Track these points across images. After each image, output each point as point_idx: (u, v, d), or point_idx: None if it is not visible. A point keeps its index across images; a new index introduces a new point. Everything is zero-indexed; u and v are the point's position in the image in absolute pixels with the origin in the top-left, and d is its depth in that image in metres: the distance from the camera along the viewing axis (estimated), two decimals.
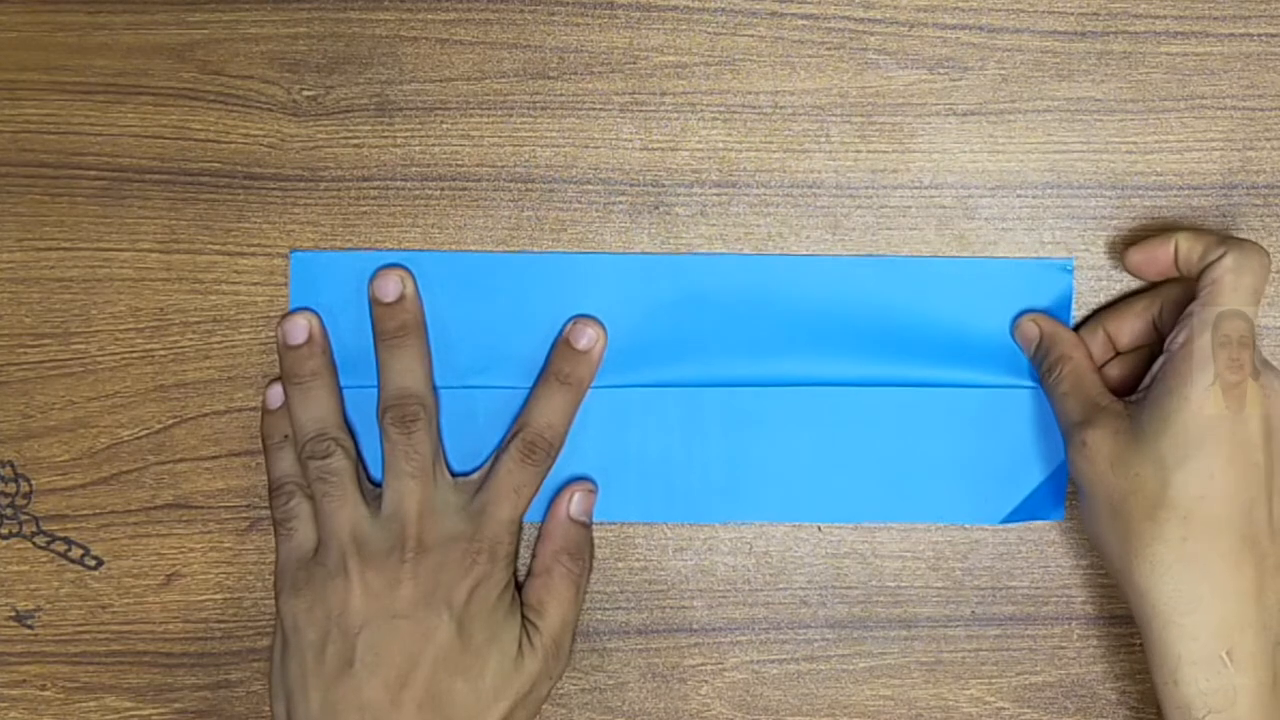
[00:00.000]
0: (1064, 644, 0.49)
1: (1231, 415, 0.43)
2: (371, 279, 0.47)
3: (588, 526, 0.48)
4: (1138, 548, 0.43)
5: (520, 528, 0.47)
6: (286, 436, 0.47)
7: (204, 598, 0.48)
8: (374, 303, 0.47)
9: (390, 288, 0.47)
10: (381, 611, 0.43)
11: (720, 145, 0.49)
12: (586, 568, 0.47)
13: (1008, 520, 0.49)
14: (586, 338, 0.47)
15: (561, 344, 0.47)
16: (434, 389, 0.47)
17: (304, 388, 0.46)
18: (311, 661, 0.44)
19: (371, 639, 0.43)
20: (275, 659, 0.45)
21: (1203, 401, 0.43)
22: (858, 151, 0.49)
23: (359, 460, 0.47)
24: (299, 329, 0.47)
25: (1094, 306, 0.49)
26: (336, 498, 0.45)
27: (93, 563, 0.48)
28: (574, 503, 0.47)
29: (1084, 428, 0.45)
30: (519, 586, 0.47)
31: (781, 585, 0.49)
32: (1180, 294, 0.46)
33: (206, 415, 0.48)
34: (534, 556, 0.47)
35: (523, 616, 0.46)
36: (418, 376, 0.46)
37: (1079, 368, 0.46)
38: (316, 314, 0.47)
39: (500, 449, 0.47)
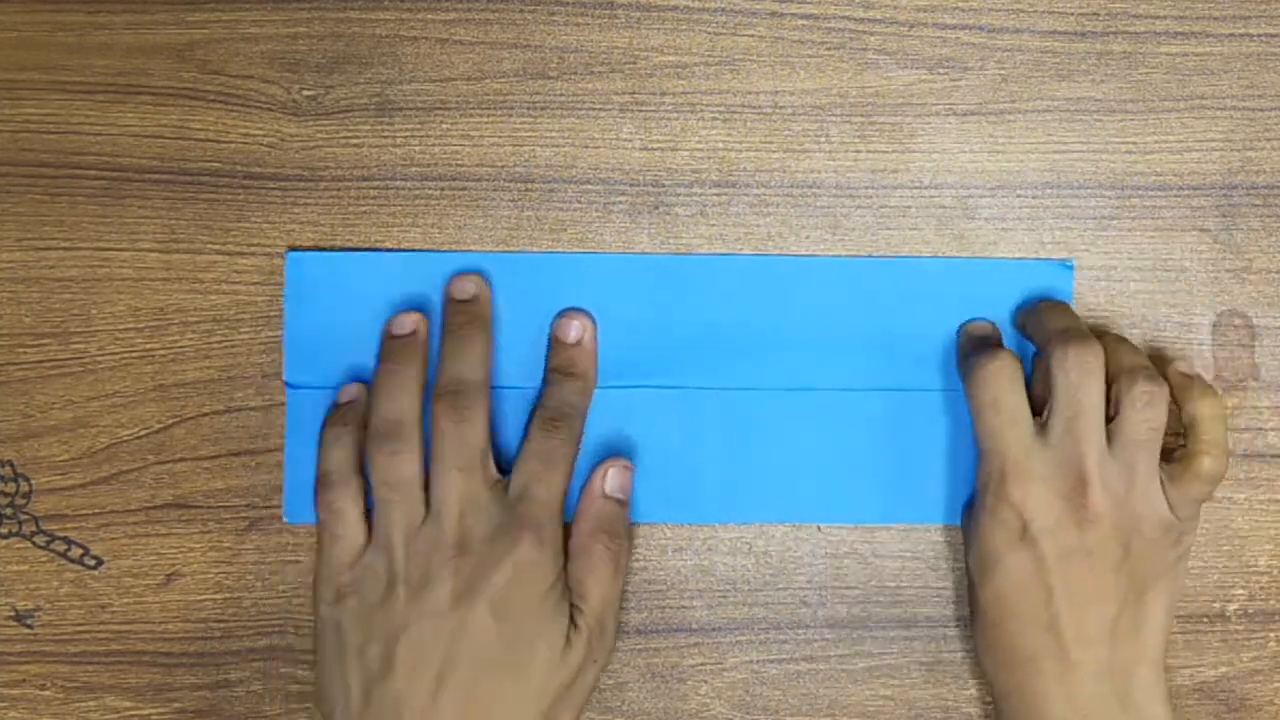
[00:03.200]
0: None
1: (1016, 546, 0.44)
2: (449, 280, 0.47)
3: (624, 504, 0.47)
4: (973, 630, 0.47)
5: (563, 514, 0.45)
6: (348, 425, 0.46)
7: (203, 598, 0.48)
8: (448, 301, 0.47)
9: (467, 287, 0.47)
10: (423, 612, 0.43)
11: (720, 145, 0.49)
12: (626, 546, 0.47)
13: None
14: (574, 330, 0.47)
15: (553, 341, 0.47)
16: (491, 387, 0.46)
17: (393, 374, 0.46)
18: (353, 663, 0.43)
19: (411, 640, 0.43)
20: (319, 661, 0.45)
21: (988, 534, 0.44)
22: (858, 151, 0.49)
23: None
24: (407, 322, 0.47)
25: (1094, 306, 0.49)
26: (399, 504, 0.44)
27: (92, 562, 0.48)
28: (609, 479, 0.47)
29: (967, 506, 0.48)
30: None
31: (781, 585, 0.49)
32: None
33: (206, 415, 0.48)
34: (570, 537, 0.46)
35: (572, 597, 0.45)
36: (476, 368, 0.46)
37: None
38: (425, 315, 0.47)
39: (523, 437, 0.46)
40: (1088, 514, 0.43)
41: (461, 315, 0.47)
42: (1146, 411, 0.44)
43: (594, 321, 0.48)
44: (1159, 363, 0.48)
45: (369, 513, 0.45)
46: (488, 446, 0.45)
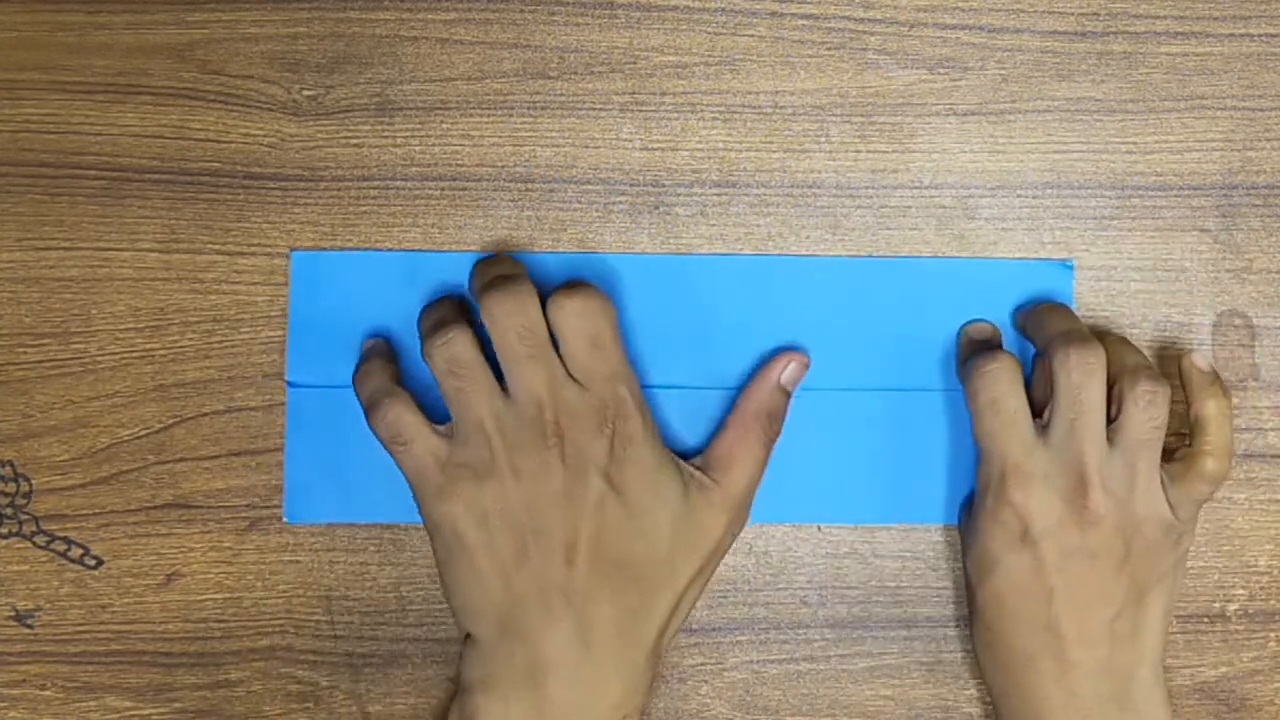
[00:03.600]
0: None
1: (1016, 547, 0.44)
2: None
3: (789, 396, 0.47)
4: (971, 631, 0.47)
5: (632, 372, 0.44)
6: (376, 358, 0.46)
7: (204, 597, 0.48)
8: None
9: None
10: (538, 495, 0.43)
11: (720, 145, 0.49)
12: (779, 428, 0.47)
13: None
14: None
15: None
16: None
17: (437, 298, 0.47)
18: (483, 559, 0.43)
19: (535, 523, 0.43)
20: (444, 568, 0.44)
21: (988, 535, 0.44)
22: (858, 151, 0.49)
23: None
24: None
25: (1094, 306, 0.49)
26: (470, 390, 0.43)
27: (92, 562, 0.48)
28: (786, 371, 0.47)
29: (965, 507, 0.48)
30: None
31: (781, 585, 0.49)
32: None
33: (206, 415, 0.48)
34: (732, 411, 0.47)
35: (701, 470, 0.45)
36: (517, 266, 0.45)
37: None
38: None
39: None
40: (1089, 515, 0.43)
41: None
42: (1150, 411, 0.44)
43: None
44: (1163, 362, 0.48)
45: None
46: (545, 329, 0.43)
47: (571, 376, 0.43)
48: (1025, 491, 0.43)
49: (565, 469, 0.43)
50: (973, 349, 0.47)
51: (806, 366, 0.47)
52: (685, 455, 0.48)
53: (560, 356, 0.43)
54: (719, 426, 0.47)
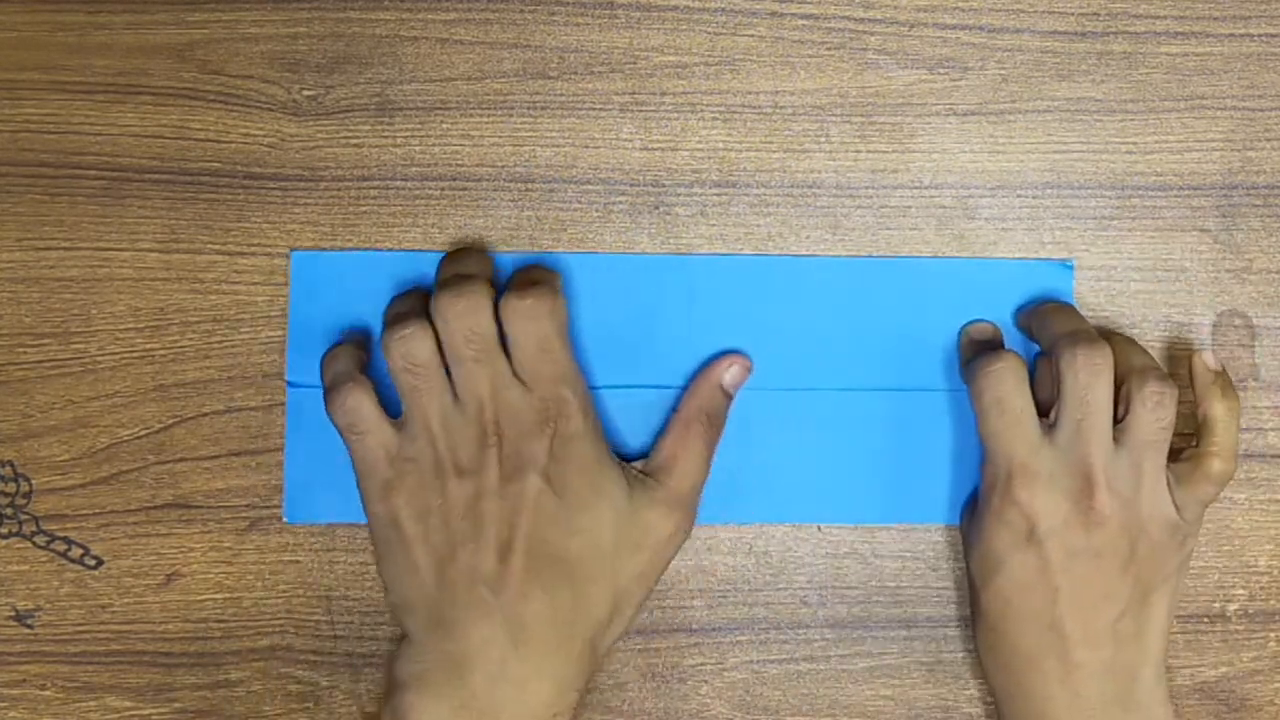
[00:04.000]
0: None
1: (1022, 546, 0.44)
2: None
3: (731, 398, 0.48)
4: (974, 631, 0.46)
5: (579, 372, 0.45)
6: (345, 344, 0.46)
7: (204, 597, 0.48)
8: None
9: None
10: (477, 492, 0.43)
11: (720, 145, 0.49)
12: (720, 432, 0.47)
13: None
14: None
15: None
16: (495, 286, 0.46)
17: (404, 290, 0.47)
18: (418, 553, 0.43)
19: (471, 517, 0.43)
20: (381, 561, 0.45)
21: (993, 535, 0.44)
22: (858, 151, 0.49)
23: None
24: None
25: (1094, 306, 0.49)
26: (423, 389, 0.44)
27: (92, 562, 0.48)
28: (728, 373, 0.47)
29: (967, 507, 0.48)
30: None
31: (781, 585, 0.49)
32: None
33: (206, 415, 0.48)
34: (674, 411, 0.47)
35: (646, 473, 0.46)
36: (477, 264, 0.46)
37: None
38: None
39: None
40: (1095, 515, 0.43)
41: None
42: (1157, 411, 0.44)
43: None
44: (1167, 362, 0.48)
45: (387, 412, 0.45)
46: (495, 329, 0.44)
47: (518, 376, 0.44)
48: (1031, 491, 0.43)
49: (503, 468, 0.43)
50: (974, 349, 0.47)
51: (749, 370, 0.48)
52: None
53: (509, 356, 0.44)
54: (662, 428, 0.47)
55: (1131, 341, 0.47)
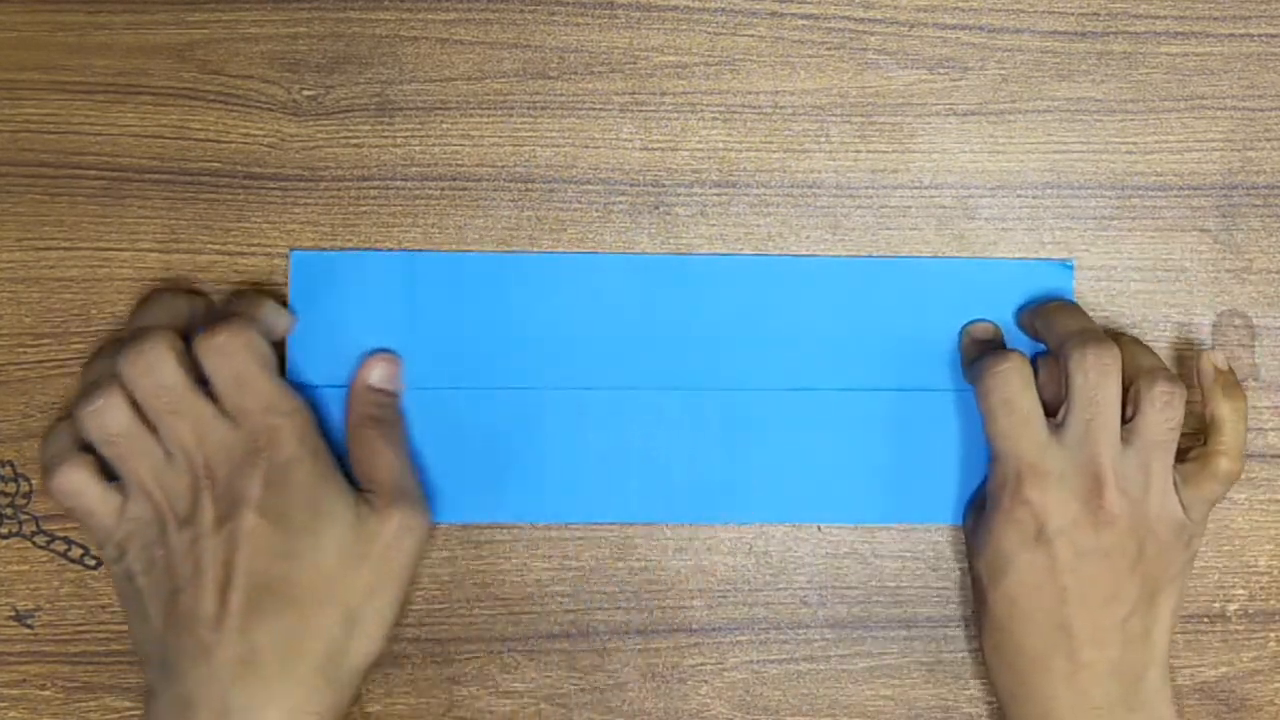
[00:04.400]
0: None
1: (1031, 546, 0.44)
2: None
3: (392, 394, 0.47)
4: (979, 631, 0.46)
5: (289, 394, 0.44)
6: (59, 422, 0.46)
7: None
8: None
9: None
10: (194, 536, 0.43)
11: (720, 145, 0.49)
12: (396, 427, 0.47)
13: None
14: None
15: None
16: (181, 330, 0.45)
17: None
18: (149, 599, 0.43)
19: (190, 559, 0.43)
20: (126, 617, 0.45)
21: (1002, 535, 0.44)
22: (858, 151, 0.49)
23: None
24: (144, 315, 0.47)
25: (1094, 306, 0.49)
26: (127, 455, 0.43)
27: (93, 562, 0.48)
28: (374, 372, 0.47)
29: (971, 507, 0.48)
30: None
31: (781, 585, 0.49)
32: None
33: None
34: (346, 429, 0.47)
35: (358, 487, 0.45)
36: (159, 316, 0.45)
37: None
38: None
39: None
40: (1104, 515, 0.43)
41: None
42: (1166, 411, 0.44)
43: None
44: (1171, 362, 0.48)
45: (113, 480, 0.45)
46: (187, 378, 0.43)
47: (226, 411, 0.44)
48: (1041, 490, 0.43)
49: (218, 508, 0.43)
50: (977, 349, 0.47)
51: (395, 363, 0.47)
52: (686, 455, 0.48)
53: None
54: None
55: (1138, 342, 0.47)
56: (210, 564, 0.43)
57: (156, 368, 0.43)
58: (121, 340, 0.44)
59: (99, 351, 0.47)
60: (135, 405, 0.43)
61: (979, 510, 0.46)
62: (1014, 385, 0.44)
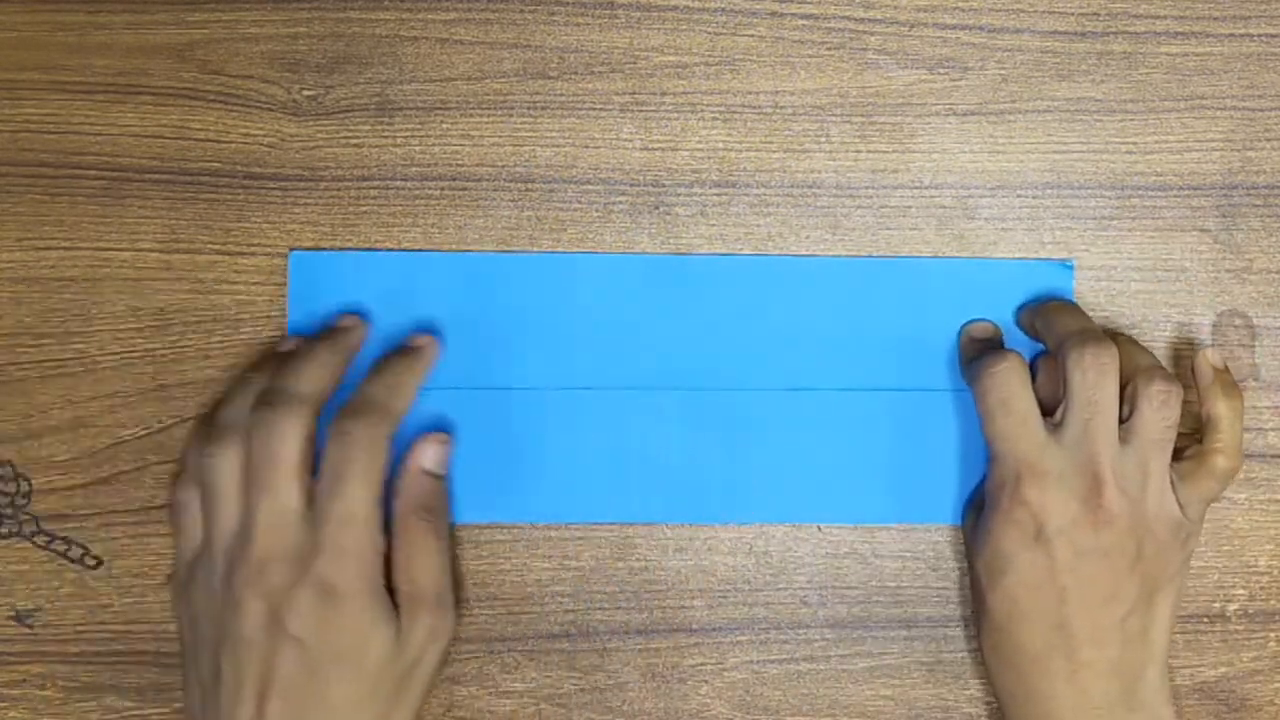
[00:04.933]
0: None
1: (1030, 546, 0.44)
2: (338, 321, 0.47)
3: (441, 478, 0.47)
4: (979, 631, 0.46)
5: (372, 515, 0.44)
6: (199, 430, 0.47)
7: None
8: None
9: (346, 319, 0.47)
10: (238, 633, 0.42)
11: (720, 145, 0.49)
12: (444, 518, 0.46)
13: None
14: (416, 340, 0.47)
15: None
16: (324, 402, 0.45)
17: (244, 381, 0.46)
18: (192, 664, 0.44)
19: (231, 659, 0.42)
20: (180, 645, 0.45)
21: (1001, 535, 0.44)
22: (858, 151, 0.49)
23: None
24: (287, 343, 0.47)
25: (1094, 306, 0.49)
26: (213, 512, 0.43)
27: (93, 562, 0.48)
28: (426, 455, 0.46)
29: (970, 507, 0.48)
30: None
31: (781, 585, 0.49)
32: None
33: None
34: (390, 516, 0.45)
35: (397, 587, 0.44)
36: (304, 382, 0.44)
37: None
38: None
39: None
40: (1103, 514, 0.43)
41: (326, 337, 0.46)
42: (1163, 411, 0.44)
43: (438, 342, 0.47)
44: (1171, 362, 0.48)
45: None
46: (299, 460, 0.43)
47: (311, 500, 0.43)
48: (1041, 490, 0.43)
49: (263, 614, 0.42)
50: (975, 348, 0.47)
51: (447, 444, 0.47)
52: (687, 455, 0.48)
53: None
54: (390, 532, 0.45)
55: (1134, 341, 0.47)
56: (250, 670, 0.42)
57: (276, 441, 0.43)
58: (250, 391, 0.45)
59: (234, 397, 0.45)
60: (248, 459, 0.43)
61: (978, 510, 0.46)
62: (1012, 385, 0.44)
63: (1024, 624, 0.44)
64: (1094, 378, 0.44)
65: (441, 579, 0.45)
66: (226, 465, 0.43)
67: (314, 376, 0.44)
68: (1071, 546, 0.43)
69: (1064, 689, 0.43)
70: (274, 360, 0.46)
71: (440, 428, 0.48)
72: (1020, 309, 0.49)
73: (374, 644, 0.43)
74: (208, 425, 0.45)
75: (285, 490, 0.43)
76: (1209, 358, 0.46)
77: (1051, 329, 0.46)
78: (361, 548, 0.43)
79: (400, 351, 0.47)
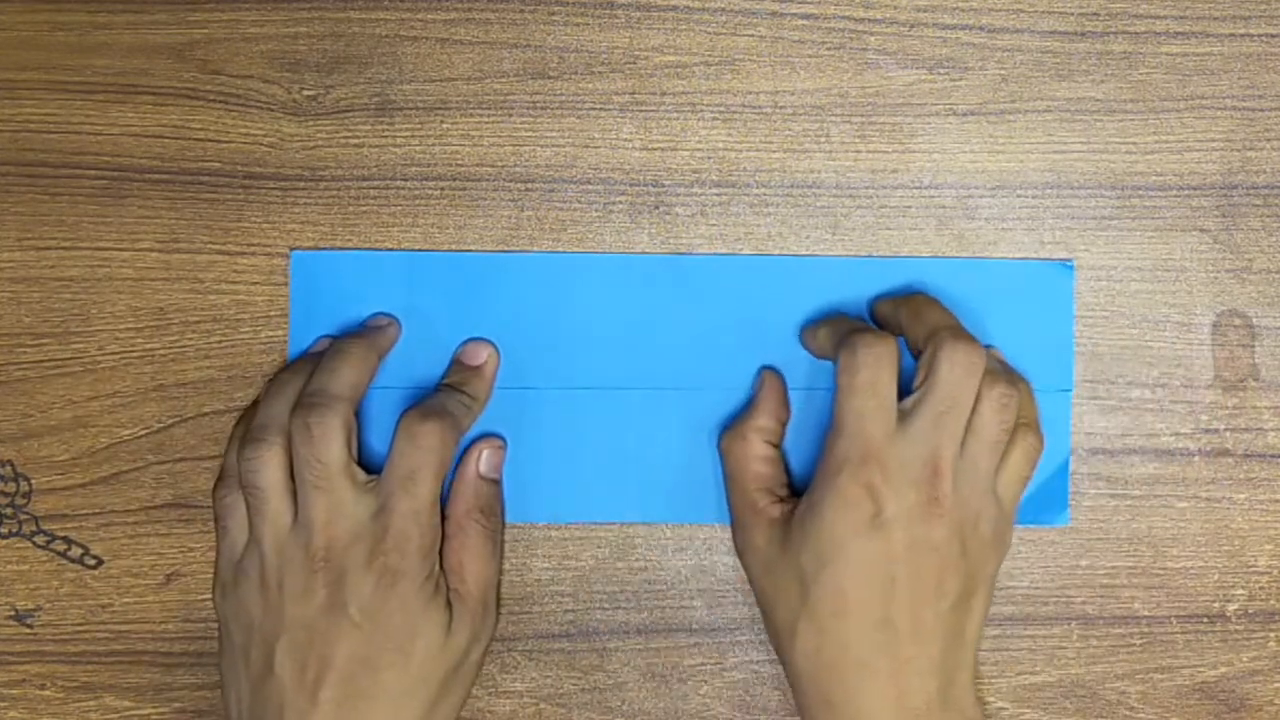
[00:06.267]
0: (1063, 644, 0.49)
1: (865, 532, 0.43)
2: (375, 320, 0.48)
3: (497, 483, 0.48)
4: (784, 646, 0.44)
5: (434, 512, 0.45)
6: (239, 427, 0.47)
7: (204, 598, 0.48)
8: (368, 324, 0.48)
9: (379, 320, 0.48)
10: (295, 619, 0.43)
11: (720, 145, 0.49)
12: (500, 523, 0.47)
13: None
14: (480, 354, 0.48)
15: (455, 363, 0.48)
16: (360, 398, 0.46)
17: (280, 382, 0.46)
18: (240, 661, 0.44)
19: (286, 645, 0.43)
20: (219, 650, 0.46)
21: (836, 519, 0.43)
22: (858, 151, 0.49)
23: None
24: (321, 343, 0.48)
25: (1094, 306, 0.49)
26: (262, 509, 0.44)
27: (92, 562, 0.48)
28: (483, 460, 0.47)
29: (739, 530, 0.46)
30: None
31: None
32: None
33: (206, 415, 0.48)
34: (445, 518, 0.46)
35: (448, 585, 0.45)
36: (342, 382, 0.45)
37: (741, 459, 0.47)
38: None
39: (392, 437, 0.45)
40: (938, 507, 0.43)
41: (362, 336, 0.47)
42: (1003, 414, 0.44)
43: (499, 355, 0.48)
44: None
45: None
46: (347, 457, 0.44)
47: (371, 492, 0.44)
48: (883, 475, 0.43)
49: (323, 599, 0.43)
50: (851, 326, 0.46)
51: (501, 449, 0.48)
52: (687, 456, 0.48)
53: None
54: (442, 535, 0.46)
55: (975, 339, 0.46)
56: (308, 653, 0.43)
57: (320, 443, 0.44)
58: (291, 388, 0.45)
59: (267, 400, 0.46)
60: (290, 459, 0.44)
61: (804, 498, 0.45)
62: (884, 369, 0.44)
63: (849, 620, 0.43)
64: (961, 375, 0.43)
65: (490, 582, 0.46)
66: (271, 466, 0.44)
67: (351, 376, 0.45)
68: (906, 536, 0.43)
69: (885, 688, 0.43)
70: (307, 362, 0.46)
71: (496, 433, 0.48)
72: (877, 297, 0.48)
73: (425, 632, 0.44)
74: (247, 428, 0.45)
75: (339, 486, 0.44)
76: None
77: (922, 320, 0.45)
78: (425, 540, 0.44)
79: (471, 369, 0.48)
